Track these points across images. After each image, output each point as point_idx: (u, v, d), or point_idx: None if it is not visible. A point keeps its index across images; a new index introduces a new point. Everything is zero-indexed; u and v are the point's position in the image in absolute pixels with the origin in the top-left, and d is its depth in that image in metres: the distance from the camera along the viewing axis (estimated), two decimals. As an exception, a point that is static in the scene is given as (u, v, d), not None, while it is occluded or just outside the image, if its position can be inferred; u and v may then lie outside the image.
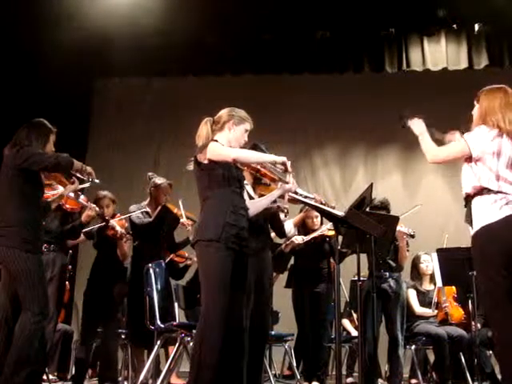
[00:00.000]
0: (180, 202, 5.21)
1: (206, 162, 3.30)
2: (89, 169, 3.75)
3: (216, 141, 3.37)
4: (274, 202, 3.84)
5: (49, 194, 4.13)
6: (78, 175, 3.79)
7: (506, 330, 2.79)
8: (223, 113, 3.48)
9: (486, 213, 2.88)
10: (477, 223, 2.91)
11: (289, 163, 3.35)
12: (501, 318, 2.82)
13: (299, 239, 5.21)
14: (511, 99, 3.01)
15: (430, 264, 5.53)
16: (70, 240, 5.04)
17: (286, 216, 4.33)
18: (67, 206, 4.54)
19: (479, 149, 2.92)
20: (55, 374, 5.46)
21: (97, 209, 4.68)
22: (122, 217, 5.02)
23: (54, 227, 4.73)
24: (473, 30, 7.61)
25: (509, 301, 2.79)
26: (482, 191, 2.91)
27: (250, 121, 3.50)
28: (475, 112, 3.09)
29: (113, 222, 4.84)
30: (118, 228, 4.86)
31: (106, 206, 4.98)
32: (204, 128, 3.46)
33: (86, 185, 4.04)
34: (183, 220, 5.06)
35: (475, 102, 3.10)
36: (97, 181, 3.84)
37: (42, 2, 6.85)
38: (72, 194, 4.35)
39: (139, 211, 4.95)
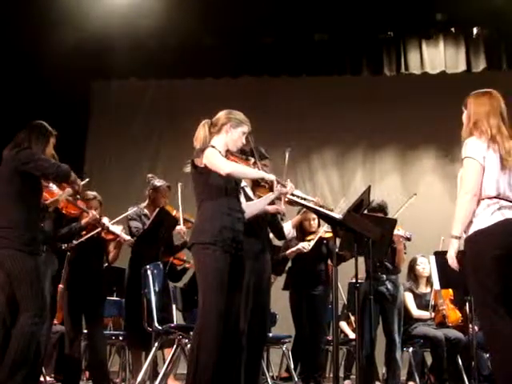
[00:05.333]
0: (179, 188, 5.18)
1: (202, 165, 3.31)
2: (79, 182, 3.75)
3: (213, 147, 3.36)
4: (273, 203, 3.85)
5: (50, 192, 4.13)
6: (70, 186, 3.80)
7: (497, 331, 2.81)
8: (221, 115, 3.48)
9: (478, 218, 2.91)
10: (470, 228, 2.94)
11: (275, 183, 3.41)
12: (491, 320, 2.85)
13: (306, 246, 5.19)
14: (496, 103, 3.02)
15: (427, 267, 5.55)
16: (63, 244, 4.87)
17: (282, 219, 4.33)
18: (69, 211, 4.50)
19: (482, 158, 2.93)
20: (52, 375, 5.45)
21: (97, 216, 4.66)
22: (119, 217, 5.01)
23: (46, 228, 4.66)
24: (471, 33, 7.65)
25: (499, 303, 2.82)
26: (482, 197, 2.93)
27: (247, 123, 3.49)
28: (464, 118, 3.11)
29: (112, 228, 4.81)
30: (123, 235, 4.84)
31: (95, 208, 4.86)
32: (202, 130, 3.46)
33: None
34: (179, 228, 5.02)
35: (463, 108, 3.12)
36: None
37: (41, 3, 6.85)
38: (70, 198, 4.34)
39: (134, 213, 4.95)
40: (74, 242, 4.78)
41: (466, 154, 2.98)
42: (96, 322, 4.85)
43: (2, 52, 7.07)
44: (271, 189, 3.55)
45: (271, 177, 3.42)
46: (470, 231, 2.93)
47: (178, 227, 5.03)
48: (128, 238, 4.89)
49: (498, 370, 2.88)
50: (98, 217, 4.67)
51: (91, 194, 4.93)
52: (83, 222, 4.65)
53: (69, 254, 4.90)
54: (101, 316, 4.98)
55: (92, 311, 4.82)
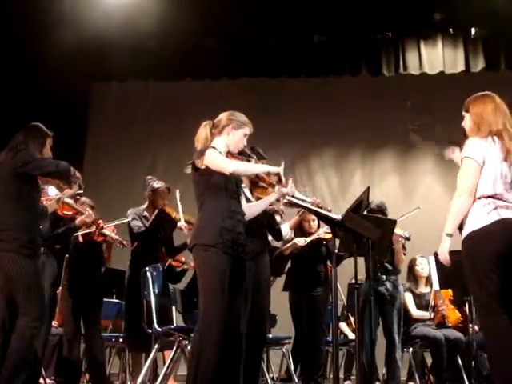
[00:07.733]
0: (177, 194, 5.18)
1: (203, 167, 3.31)
2: (77, 174, 3.75)
3: (214, 148, 3.37)
4: (271, 204, 3.84)
5: (47, 196, 4.13)
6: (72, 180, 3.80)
7: (496, 331, 2.82)
8: (223, 116, 3.48)
9: (475, 218, 2.92)
10: (466, 228, 2.96)
11: (282, 175, 3.38)
12: (490, 319, 2.86)
13: (301, 241, 5.18)
14: (499, 103, 3.05)
15: (426, 267, 5.55)
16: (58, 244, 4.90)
17: (281, 218, 4.32)
18: (64, 212, 4.51)
19: (481, 158, 2.95)
20: (52, 378, 5.45)
21: (93, 216, 4.67)
22: (119, 222, 5.01)
23: (44, 230, 4.64)
24: (469, 33, 7.64)
25: (498, 303, 2.82)
26: (479, 197, 2.95)
27: (249, 125, 3.49)
28: (467, 122, 3.11)
29: (104, 229, 4.81)
30: (112, 235, 4.84)
31: None
32: (203, 131, 3.46)
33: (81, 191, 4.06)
34: (180, 224, 5.04)
35: (464, 113, 3.12)
36: (81, 191, 3.85)
37: (41, 4, 6.85)
38: (68, 200, 4.34)
39: (135, 215, 4.96)
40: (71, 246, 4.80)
41: (464, 153, 3.00)
42: (93, 324, 4.86)
43: (1, 52, 7.07)
44: (269, 184, 3.56)
45: (277, 169, 3.41)
46: (467, 231, 2.94)
47: (179, 223, 5.02)
48: (117, 237, 4.89)
49: (496, 370, 2.88)
50: (94, 217, 4.68)
51: (81, 199, 4.94)
52: (77, 220, 4.65)
53: (67, 256, 4.91)
54: (98, 318, 4.99)
55: (90, 314, 4.84)
